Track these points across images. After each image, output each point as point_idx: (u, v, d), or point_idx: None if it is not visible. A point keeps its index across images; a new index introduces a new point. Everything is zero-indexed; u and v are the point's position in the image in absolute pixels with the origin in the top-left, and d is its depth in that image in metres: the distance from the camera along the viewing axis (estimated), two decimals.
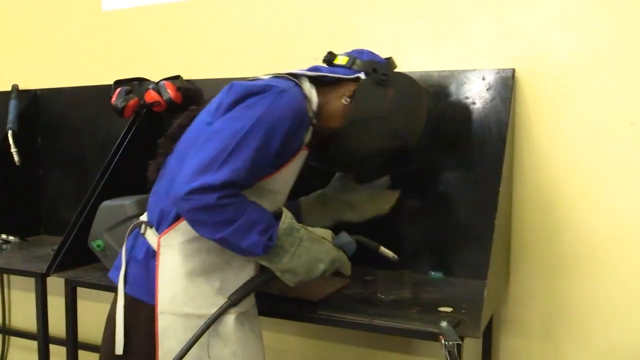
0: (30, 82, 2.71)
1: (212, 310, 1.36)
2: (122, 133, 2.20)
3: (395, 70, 1.58)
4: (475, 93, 1.92)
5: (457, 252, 1.95)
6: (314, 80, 1.47)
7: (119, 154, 2.13)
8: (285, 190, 1.45)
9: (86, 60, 2.65)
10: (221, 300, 1.37)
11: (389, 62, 1.57)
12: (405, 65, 2.02)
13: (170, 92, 2.25)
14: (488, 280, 1.43)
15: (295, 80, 1.42)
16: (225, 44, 2.37)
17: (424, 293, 1.74)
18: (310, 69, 1.51)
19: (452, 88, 1.95)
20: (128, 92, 2.29)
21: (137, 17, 2.54)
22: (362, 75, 1.49)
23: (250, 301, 1.44)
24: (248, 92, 1.33)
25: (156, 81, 2.31)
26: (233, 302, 1.38)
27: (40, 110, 2.69)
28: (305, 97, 1.41)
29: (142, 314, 1.40)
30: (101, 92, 2.39)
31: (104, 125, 2.50)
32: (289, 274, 1.35)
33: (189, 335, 1.34)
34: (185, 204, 1.23)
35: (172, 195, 1.27)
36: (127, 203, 1.85)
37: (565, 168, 1.87)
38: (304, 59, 2.19)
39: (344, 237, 1.42)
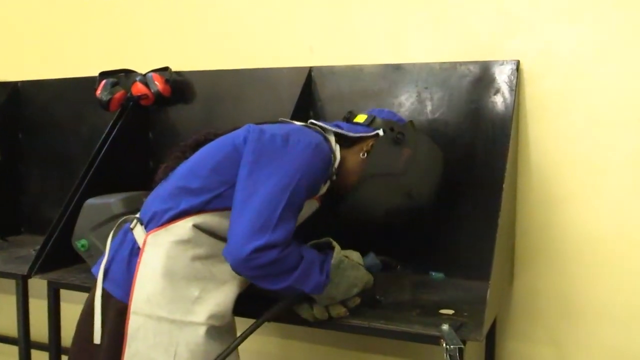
0: (11, 73, 2.70)
1: (187, 317, 1.39)
2: (108, 128, 2.20)
3: (414, 130, 1.69)
4: (478, 86, 1.92)
5: (459, 251, 1.95)
6: (336, 136, 1.59)
7: (104, 149, 2.13)
8: None
9: (70, 51, 2.64)
10: (198, 310, 1.40)
11: (408, 124, 1.70)
12: (404, 57, 2.04)
13: (158, 84, 2.26)
14: (491, 281, 1.43)
15: (324, 133, 1.55)
16: (217, 34, 2.37)
17: (424, 295, 1.74)
18: (332, 125, 1.62)
19: (454, 81, 1.95)
20: (114, 85, 2.29)
21: (124, 6, 2.54)
22: (380, 133, 1.61)
23: (226, 317, 1.46)
24: (284, 140, 1.42)
25: (144, 73, 2.32)
26: (267, 318, 1.46)
27: (21, 103, 2.68)
28: (332, 152, 1.53)
29: (111, 311, 1.43)
30: (86, 85, 2.39)
31: (89, 119, 2.50)
32: (328, 299, 1.47)
33: (158, 340, 1.38)
34: (248, 263, 1.32)
35: (231, 258, 1.34)
36: (112, 201, 1.85)
37: (571, 164, 1.88)
38: (298, 49, 2.22)
39: (372, 259, 1.55)
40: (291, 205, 1.37)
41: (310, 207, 1.52)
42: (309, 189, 1.42)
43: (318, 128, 1.57)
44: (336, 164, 1.55)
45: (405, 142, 1.60)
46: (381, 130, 1.61)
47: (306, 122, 1.61)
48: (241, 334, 1.46)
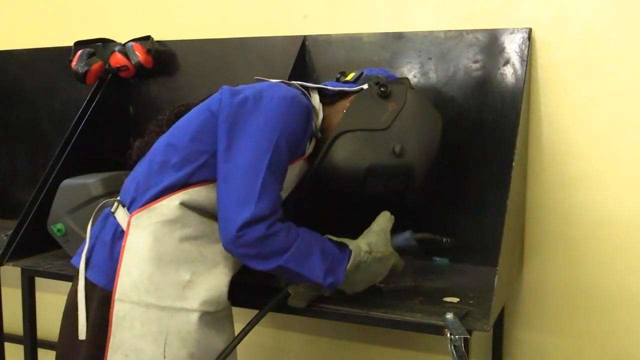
0: None
1: (177, 303, 1.40)
2: (85, 102, 2.20)
3: (406, 86, 1.64)
4: (486, 56, 1.92)
5: (465, 235, 1.93)
6: (320, 95, 1.59)
7: (81, 125, 2.12)
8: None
9: (43, 18, 2.61)
10: (189, 295, 1.41)
11: (401, 80, 1.67)
12: (406, 25, 2.03)
13: (139, 55, 2.25)
14: (499, 266, 1.44)
15: (304, 90, 1.54)
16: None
17: (427, 281, 1.74)
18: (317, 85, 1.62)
19: (460, 51, 1.94)
20: (91, 55, 2.28)
21: None
22: (365, 87, 1.60)
23: (221, 302, 1.47)
24: (256, 100, 1.42)
25: (123, 42, 2.31)
26: (267, 310, 1.48)
27: None
28: (313, 107, 1.52)
29: (94, 300, 1.42)
30: (60, 55, 2.39)
31: (64, 93, 2.49)
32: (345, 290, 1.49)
33: (146, 328, 1.38)
34: (237, 241, 1.34)
35: (222, 239, 1.36)
36: (91, 182, 1.85)
37: (587, 141, 1.87)
38: (291, 15, 2.19)
39: (406, 239, 1.54)
40: (273, 170, 1.38)
41: (299, 169, 1.52)
42: (290, 147, 1.42)
43: (297, 85, 1.55)
44: (319, 122, 1.55)
45: (392, 96, 1.57)
46: (366, 84, 1.60)
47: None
48: (245, 327, 1.46)
